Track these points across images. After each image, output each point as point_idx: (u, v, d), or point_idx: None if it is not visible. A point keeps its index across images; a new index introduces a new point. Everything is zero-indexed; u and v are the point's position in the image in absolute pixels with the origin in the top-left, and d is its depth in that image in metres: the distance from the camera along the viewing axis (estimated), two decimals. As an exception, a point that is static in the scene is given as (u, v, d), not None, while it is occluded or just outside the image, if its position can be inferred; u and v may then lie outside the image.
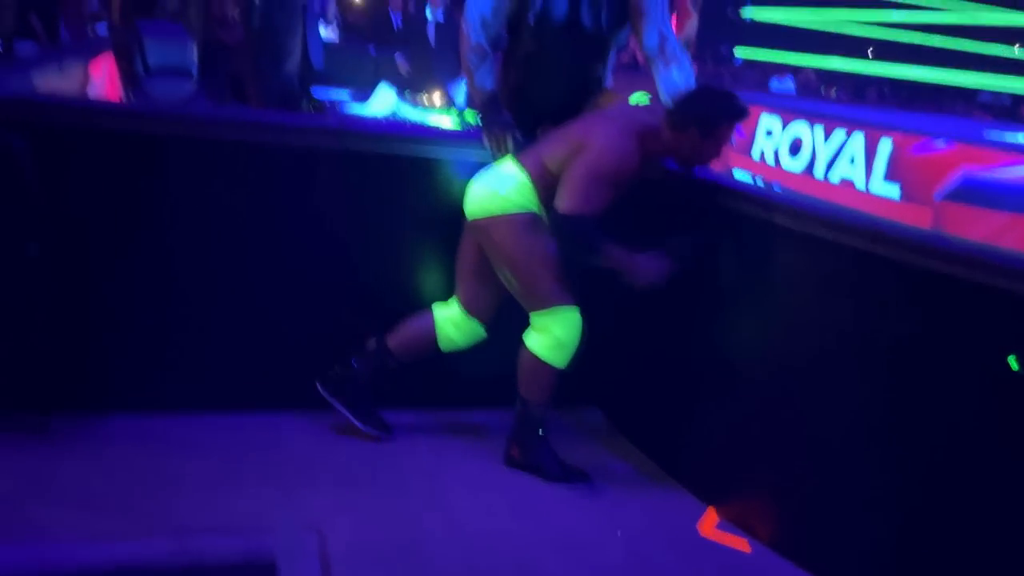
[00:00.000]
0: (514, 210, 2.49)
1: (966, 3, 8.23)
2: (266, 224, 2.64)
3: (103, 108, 2.54)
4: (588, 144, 2.44)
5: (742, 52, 8.04)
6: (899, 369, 2.08)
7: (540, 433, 2.58)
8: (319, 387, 2.67)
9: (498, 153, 2.66)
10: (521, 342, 2.54)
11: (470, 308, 2.63)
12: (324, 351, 2.75)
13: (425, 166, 2.73)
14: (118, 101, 4.89)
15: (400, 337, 2.68)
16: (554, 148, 2.53)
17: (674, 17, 6.29)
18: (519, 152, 2.59)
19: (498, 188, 2.51)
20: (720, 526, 2.44)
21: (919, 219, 5.24)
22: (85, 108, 2.48)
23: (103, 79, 4.92)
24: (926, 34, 8.39)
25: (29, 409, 2.44)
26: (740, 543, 2.37)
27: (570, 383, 2.56)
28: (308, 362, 2.75)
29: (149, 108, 2.59)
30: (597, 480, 2.59)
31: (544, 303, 2.49)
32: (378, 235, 2.75)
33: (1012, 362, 1.83)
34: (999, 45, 8.25)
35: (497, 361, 2.60)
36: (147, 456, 2.42)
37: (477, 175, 2.59)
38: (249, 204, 2.61)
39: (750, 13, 7.50)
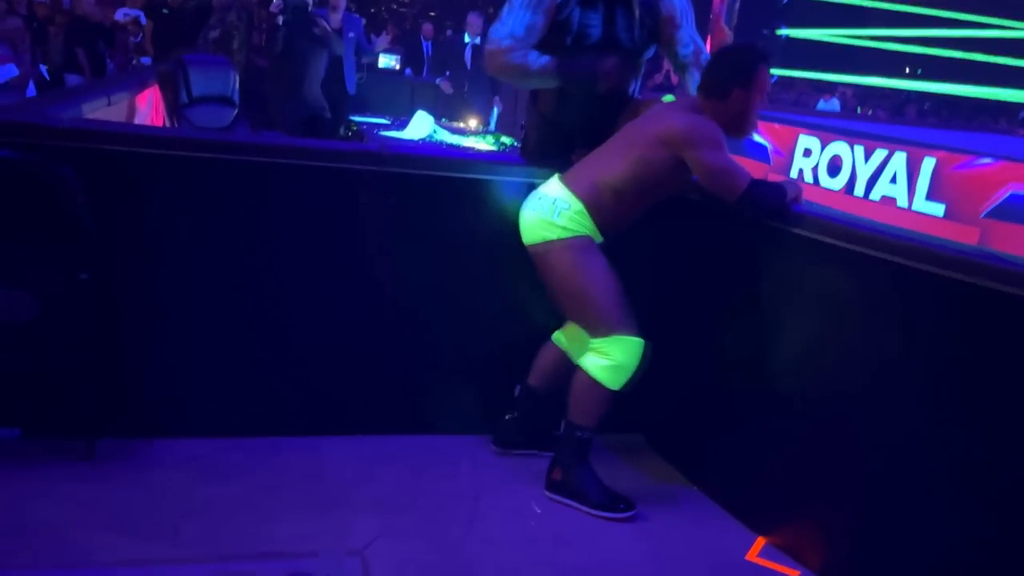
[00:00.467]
0: (569, 236, 2.46)
1: (1006, 19, 8.11)
2: (307, 249, 2.67)
3: (144, 133, 2.59)
4: (678, 139, 2.39)
5: (779, 71, 7.99)
6: (952, 392, 2.02)
7: (585, 458, 2.53)
8: (495, 448, 2.77)
9: (616, 80, 2.64)
10: (577, 364, 2.52)
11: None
12: (363, 375, 2.77)
13: (467, 187, 2.73)
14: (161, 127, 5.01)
15: (537, 372, 2.75)
16: (612, 165, 2.47)
17: (708, 38, 6.28)
18: (566, 175, 2.56)
19: (551, 215, 2.47)
20: (767, 554, 2.38)
21: (965, 237, 5.13)
22: (128, 134, 2.53)
23: (149, 110, 5.05)
24: (966, 52, 8.27)
25: (77, 435, 2.48)
26: (789, 572, 2.31)
27: (612, 408, 2.53)
28: (348, 386, 2.77)
29: (188, 134, 2.66)
30: (640, 507, 2.55)
31: (606, 330, 2.44)
32: (419, 260, 2.75)
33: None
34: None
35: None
36: (191, 481, 2.44)
37: (528, 201, 2.57)
38: (291, 228, 2.64)
39: (786, 31, 7.47)
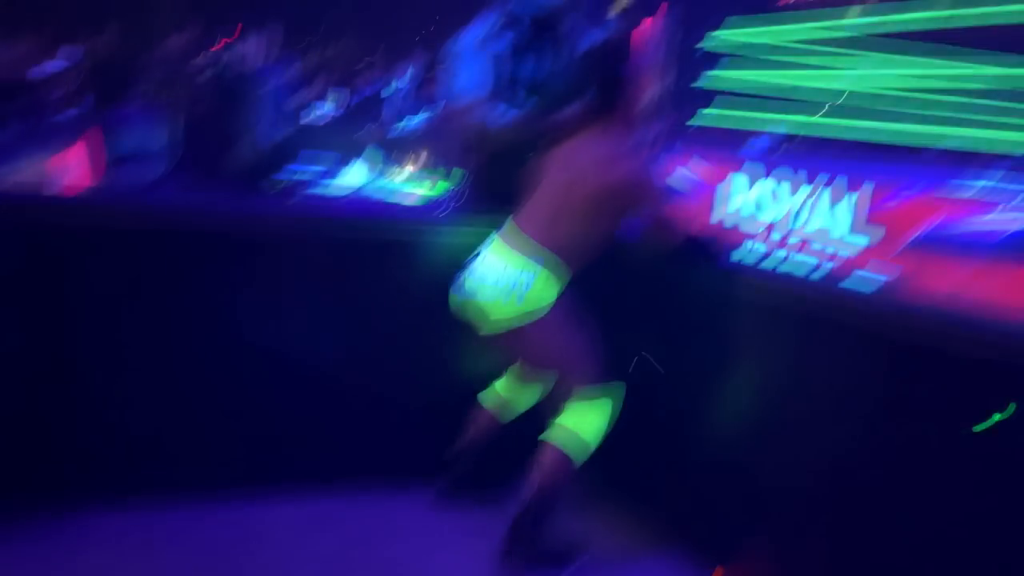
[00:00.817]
0: (540, 310, 2.29)
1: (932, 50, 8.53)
2: (222, 313, 2.60)
3: (66, 203, 2.52)
4: (632, 192, 2.30)
5: (701, 117, 8.29)
6: (880, 430, 2.06)
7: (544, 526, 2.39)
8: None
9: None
10: (549, 428, 2.41)
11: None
12: (297, 438, 2.70)
13: (392, 249, 2.71)
14: (85, 189, 4.88)
15: (472, 437, 2.67)
16: (568, 201, 2.30)
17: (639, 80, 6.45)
18: (511, 241, 2.35)
19: (518, 299, 2.27)
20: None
21: (891, 268, 5.30)
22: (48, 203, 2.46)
23: (75, 167, 4.93)
24: (888, 88, 8.65)
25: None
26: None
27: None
28: (281, 444, 2.69)
29: (111, 199, 2.59)
30: (595, 550, 2.51)
31: (586, 388, 2.38)
32: (353, 320, 2.71)
33: (994, 418, 1.82)
34: (962, 97, 8.53)
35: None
36: (116, 558, 2.33)
37: (473, 283, 2.37)
38: (203, 294, 2.58)
39: (713, 74, 7.76)
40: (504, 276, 2.29)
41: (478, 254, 2.42)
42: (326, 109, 9.18)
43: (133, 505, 2.54)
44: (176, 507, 2.57)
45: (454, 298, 2.45)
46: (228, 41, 6.11)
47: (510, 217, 2.44)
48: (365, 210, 2.72)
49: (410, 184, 5.85)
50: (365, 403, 2.76)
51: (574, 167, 2.33)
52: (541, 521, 2.39)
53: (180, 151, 5.32)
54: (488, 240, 2.44)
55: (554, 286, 2.31)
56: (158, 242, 2.50)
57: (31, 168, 3.91)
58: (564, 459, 2.36)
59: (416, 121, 8.12)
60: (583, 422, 2.37)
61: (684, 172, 7.98)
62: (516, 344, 2.40)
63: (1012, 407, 1.78)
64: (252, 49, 6.29)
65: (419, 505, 2.74)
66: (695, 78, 7.54)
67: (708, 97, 8.33)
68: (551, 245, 2.30)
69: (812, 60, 8.78)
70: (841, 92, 8.85)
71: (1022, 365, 1.79)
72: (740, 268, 2.51)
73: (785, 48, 8.59)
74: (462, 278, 2.42)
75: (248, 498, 2.65)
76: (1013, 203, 4.84)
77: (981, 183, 7.12)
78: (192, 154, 5.47)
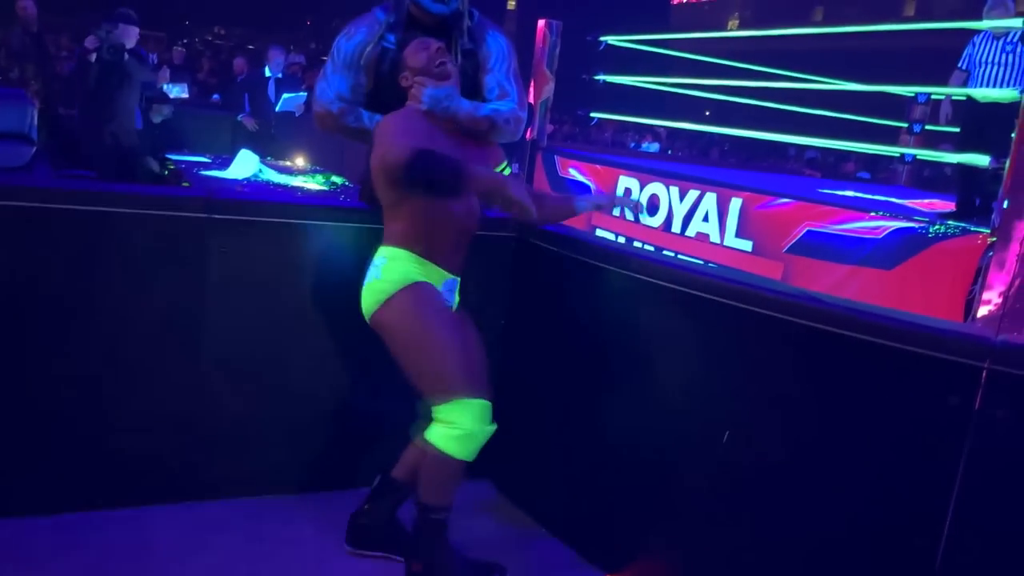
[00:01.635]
0: (396, 289, 2.23)
1: (792, 71, 9.07)
2: (129, 301, 2.45)
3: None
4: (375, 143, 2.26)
5: (597, 113, 8.46)
6: (784, 425, 2.16)
7: (444, 541, 2.30)
8: (348, 548, 2.44)
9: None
10: (420, 440, 2.26)
11: None
12: (189, 436, 2.58)
13: (302, 233, 2.63)
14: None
15: (404, 466, 2.45)
16: (376, 183, 2.29)
17: (532, 83, 6.50)
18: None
19: (372, 277, 2.27)
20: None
21: (771, 271, 5.58)
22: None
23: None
24: (759, 100, 9.14)
25: None
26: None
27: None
28: (173, 450, 2.56)
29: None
30: (495, 556, 2.52)
31: (448, 394, 2.18)
32: (251, 310, 2.61)
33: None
34: (822, 109, 9.11)
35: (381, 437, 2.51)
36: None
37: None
38: (110, 278, 2.42)
39: (603, 77, 7.94)
40: (371, 265, 2.31)
41: None
42: (178, 92, 8.86)
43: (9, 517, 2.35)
44: (51, 518, 2.40)
45: None
46: (104, 24, 5.76)
47: None
48: (271, 197, 2.60)
49: (296, 179, 5.68)
50: (266, 401, 2.66)
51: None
52: (439, 535, 2.30)
53: (48, 135, 4.96)
54: None
55: (406, 267, 2.25)
56: (54, 223, 2.32)
57: None
58: (444, 459, 2.22)
59: (287, 105, 7.97)
60: (453, 423, 2.20)
61: (573, 173, 8.14)
62: (391, 350, 2.28)
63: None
64: (129, 34, 5.98)
65: (322, 505, 2.67)
66: (591, 80, 7.70)
67: (600, 98, 8.54)
68: (391, 239, 2.31)
69: (695, 67, 9.16)
70: (720, 99, 9.29)
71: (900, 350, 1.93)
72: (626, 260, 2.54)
73: (669, 57, 8.92)
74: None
75: (137, 508, 2.51)
76: (879, 211, 5.20)
77: (846, 191, 7.65)
78: (61, 140, 5.12)
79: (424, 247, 2.28)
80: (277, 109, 8.12)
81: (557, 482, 2.76)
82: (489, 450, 2.84)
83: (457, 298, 2.42)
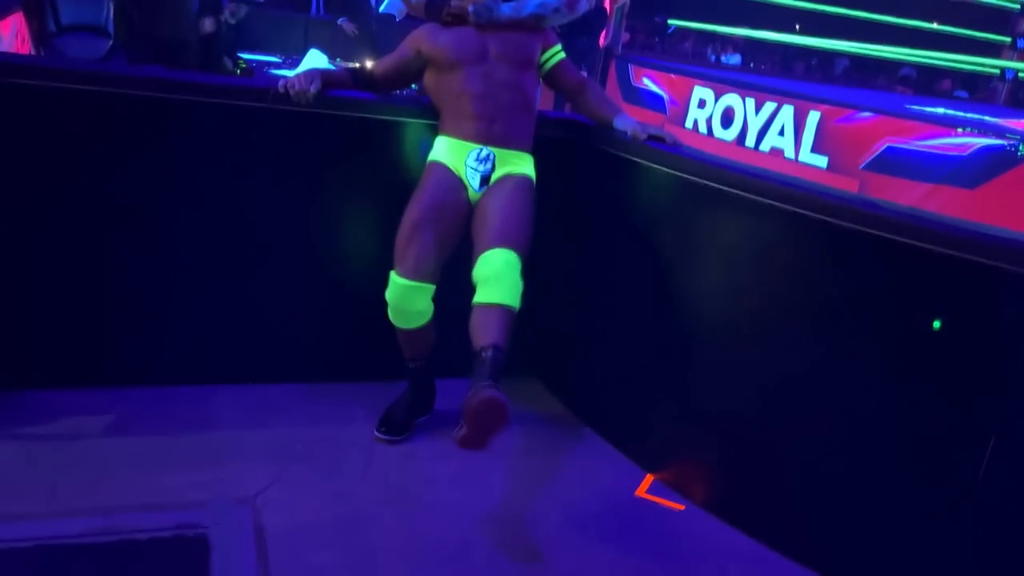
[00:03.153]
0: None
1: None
2: (193, 189, 2.54)
3: (15, 62, 2.39)
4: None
5: (676, 21, 8.13)
6: (836, 332, 2.13)
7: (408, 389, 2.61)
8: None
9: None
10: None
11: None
12: (252, 322, 2.69)
13: (366, 128, 2.64)
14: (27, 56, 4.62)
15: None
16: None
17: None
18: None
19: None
20: (655, 490, 2.48)
21: (845, 188, 5.39)
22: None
23: (13, 39, 4.64)
24: (849, 9, 8.61)
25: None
26: (675, 506, 2.41)
27: (509, 354, 2.54)
28: (239, 334, 2.68)
29: (62, 63, 2.45)
30: (535, 447, 2.60)
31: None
32: (310, 202, 2.67)
33: (936, 324, 1.90)
34: (918, 20, 8.53)
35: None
36: (71, 435, 2.33)
37: None
38: (174, 166, 2.50)
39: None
40: None
41: None
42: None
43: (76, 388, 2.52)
44: (122, 390, 2.56)
45: None
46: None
47: None
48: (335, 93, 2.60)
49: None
50: (322, 292, 2.74)
51: None
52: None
53: (127, 28, 5.04)
54: None
55: (435, 144, 2.55)
56: (116, 109, 2.39)
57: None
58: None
59: (390, 7, 7.71)
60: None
61: (647, 82, 7.90)
62: None
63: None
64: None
65: (374, 392, 2.78)
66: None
67: (681, 5, 8.22)
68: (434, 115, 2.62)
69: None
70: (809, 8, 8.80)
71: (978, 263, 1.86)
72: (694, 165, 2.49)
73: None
74: None
75: (203, 385, 2.66)
76: (966, 128, 4.92)
77: (936, 108, 7.23)
78: (141, 32, 5.19)
79: (448, 126, 2.53)
80: (381, 10, 7.83)
81: (600, 381, 2.79)
82: (539, 349, 2.91)
83: (498, 170, 2.48)
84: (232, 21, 7.03)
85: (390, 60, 2.64)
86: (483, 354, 2.20)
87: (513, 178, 2.48)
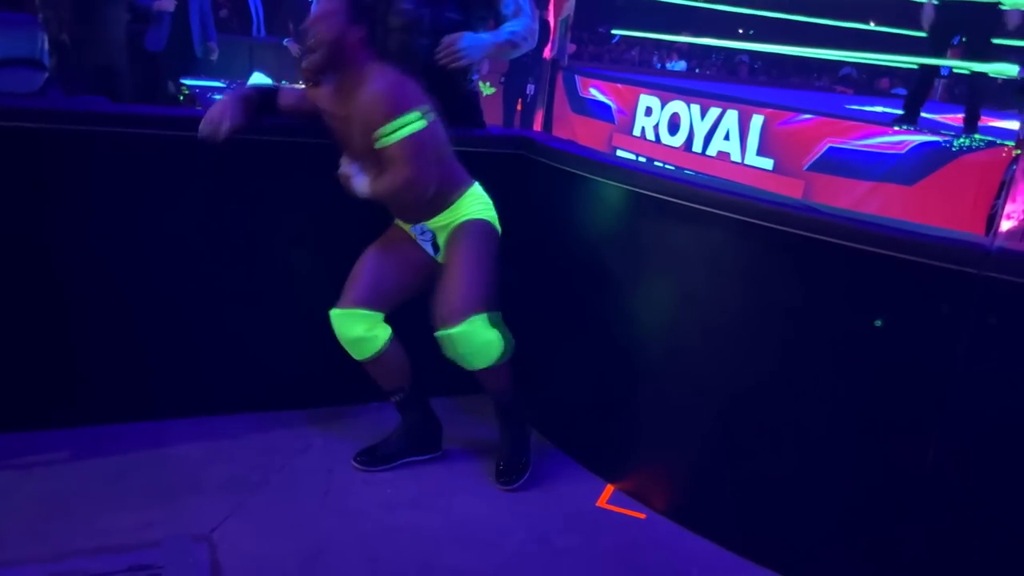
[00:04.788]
0: None
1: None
2: (143, 223, 2.49)
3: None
4: None
5: (620, 31, 8.23)
6: (780, 334, 2.17)
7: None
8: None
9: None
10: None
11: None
12: (202, 353, 2.65)
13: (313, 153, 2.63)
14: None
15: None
16: None
17: (552, 1, 6.33)
18: None
19: None
20: (616, 500, 2.49)
21: (791, 189, 5.49)
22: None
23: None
24: (789, 13, 8.81)
25: None
26: (636, 515, 2.43)
27: (463, 371, 2.54)
28: (191, 366, 2.64)
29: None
30: (496, 463, 2.60)
31: None
32: (264, 230, 2.64)
33: (877, 323, 1.95)
34: (855, 22, 8.78)
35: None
36: (17, 478, 2.27)
37: None
38: (121, 201, 2.46)
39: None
40: None
41: None
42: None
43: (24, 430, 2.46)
44: (72, 430, 2.51)
45: None
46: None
47: None
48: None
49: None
50: (275, 319, 2.71)
51: None
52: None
53: (59, 58, 4.93)
54: None
55: None
56: (60, 144, 2.35)
57: None
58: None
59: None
60: None
61: (594, 92, 7.98)
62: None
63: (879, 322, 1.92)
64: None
65: (330, 419, 2.75)
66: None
67: (624, 15, 8.30)
68: None
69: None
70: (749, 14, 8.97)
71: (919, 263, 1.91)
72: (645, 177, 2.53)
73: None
74: None
75: (154, 421, 2.60)
76: (902, 126, 5.06)
77: (875, 108, 7.43)
78: (73, 61, 5.07)
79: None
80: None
81: (557, 393, 2.80)
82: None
83: (438, 236, 2.47)
84: (213, 58, 6.82)
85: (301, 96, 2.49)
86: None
87: (457, 230, 2.42)
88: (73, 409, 2.54)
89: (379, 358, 2.44)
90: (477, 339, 2.31)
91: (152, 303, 2.56)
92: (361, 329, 2.40)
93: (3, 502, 2.15)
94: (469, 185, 2.47)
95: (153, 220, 2.51)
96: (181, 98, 5.83)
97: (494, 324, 2.37)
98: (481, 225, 2.44)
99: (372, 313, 2.40)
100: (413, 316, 2.38)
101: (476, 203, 2.46)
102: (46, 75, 4.49)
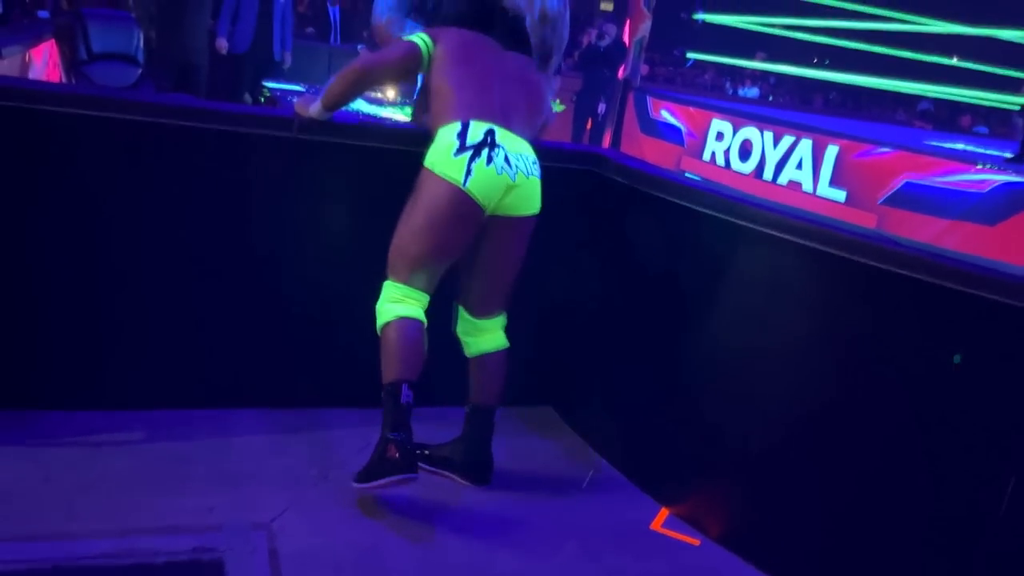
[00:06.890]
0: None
1: (908, 14, 8.51)
2: (215, 215, 2.58)
3: (41, 90, 2.45)
4: None
5: (694, 54, 8.18)
6: (850, 366, 2.12)
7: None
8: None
9: None
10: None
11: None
12: (274, 347, 2.71)
13: (382, 157, 2.69)
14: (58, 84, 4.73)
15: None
16: (529, 110, 2.50)
17: (628, 20, 6.34)
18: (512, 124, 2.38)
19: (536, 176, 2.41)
20: (670, 524, 2.46)
21: (863, 222, 5.38)
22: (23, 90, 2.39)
23: (44, 65, 4.75)
24: (869, 44, 8.63)
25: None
26: (690, 540, 2.40)
27: (523, 381, 2.56)
28: (259, 358, 2.70)
29: (89, 90, 2.52)
30: (548, 478, 2.59)
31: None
32: (332, 229, 2.70)
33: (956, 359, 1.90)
34: (938, 56, 8.55)
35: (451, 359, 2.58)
36: (89, 455, 2.35)
37: (517, 165, 2.30)
38: (198, 194, 2.55)
39: (703, 16, 7.65)
40: (532, 159, 2.38)
41: (488, 141, 2.28)
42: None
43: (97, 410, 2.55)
44: (144, 413, 2.59)
45: (496, 179, 2.27)
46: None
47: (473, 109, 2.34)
48: (354, 120, 2.65)
49: (385, 110, 5.74)
50: (342, 317, 2.76)
51: (529, 82, 2.50)
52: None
53: (148, 54, 5.14)
54: (485, 128, 2.30)
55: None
56: (141, 135, 2.45)
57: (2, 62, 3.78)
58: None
59: None
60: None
61: (665, 115, 7.96)
62: (506, 242, 2.39)
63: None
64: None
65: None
66: (690, 19, 7.49)
67: (701, 38, 8.28)
68: (530, 140, 2.44)
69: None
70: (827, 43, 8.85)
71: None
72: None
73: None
74: (496, 160, 2.27)
75: (222, 409, 2.68)
76: (986, 164, 4.91)
77: (955, 144, 7.22)
78: (158, 57, 5.28)
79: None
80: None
81: (615, 411, 2.79)
82: (553, 377, 2.91)
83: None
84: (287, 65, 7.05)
85: None
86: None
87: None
88: (143, 391, 2.62)
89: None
90: (378, 302, 2.37)
91: (228, 293, 2.63)
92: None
93: (76, 477, 2.23)
94: (447, 122, 2.32)
95: (259, 215, 2.59)
96: (263, 100, 6.01)
97: (388, 292, 2.37)
98: (422, 175, 2.32)
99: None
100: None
101: (434, 146, 2.32)
102: (140, 71, 4.70)
